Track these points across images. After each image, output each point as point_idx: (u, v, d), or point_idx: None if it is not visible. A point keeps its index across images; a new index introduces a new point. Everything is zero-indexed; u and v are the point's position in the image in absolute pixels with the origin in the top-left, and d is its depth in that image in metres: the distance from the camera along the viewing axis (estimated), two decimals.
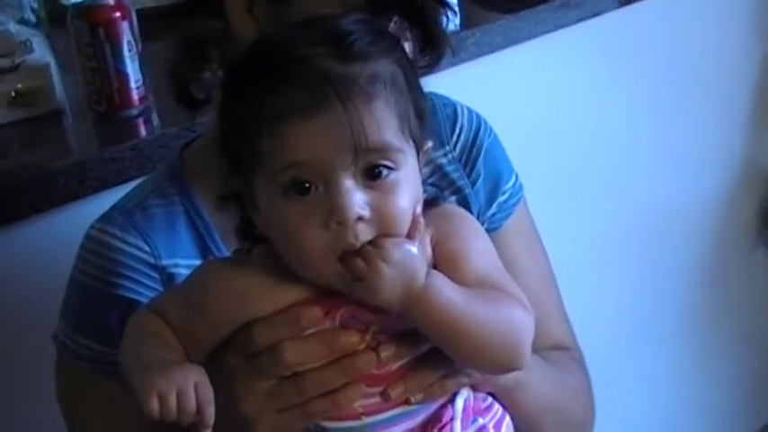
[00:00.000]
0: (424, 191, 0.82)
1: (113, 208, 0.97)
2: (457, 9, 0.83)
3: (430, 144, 0.82)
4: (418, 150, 0.80)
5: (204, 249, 0.96)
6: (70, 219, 1.15)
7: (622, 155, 1.77)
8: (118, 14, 1.22)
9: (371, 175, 0.76)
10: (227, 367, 0.79)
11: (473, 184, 1.06)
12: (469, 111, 1.09)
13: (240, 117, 0.78)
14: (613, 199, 1.78)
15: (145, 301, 0.92)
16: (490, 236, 1.07)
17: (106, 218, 0.96)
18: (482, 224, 1.06)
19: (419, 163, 0.80)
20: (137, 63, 1.25)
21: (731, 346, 2.10)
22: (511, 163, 1.11)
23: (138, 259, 0.94)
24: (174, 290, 0.86)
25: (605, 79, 1.70)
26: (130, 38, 1.24)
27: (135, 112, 1.26)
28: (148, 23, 1.35)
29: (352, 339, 0.78)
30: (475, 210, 1.05)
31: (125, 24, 1.23)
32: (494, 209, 1.07)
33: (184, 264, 0.95)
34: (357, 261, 0.75)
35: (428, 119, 0.82)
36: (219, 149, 0.81)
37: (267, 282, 0.79)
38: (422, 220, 0.78)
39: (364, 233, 0.75)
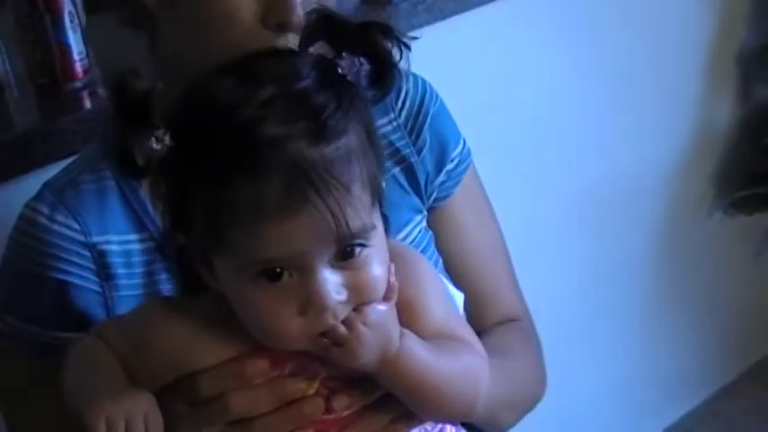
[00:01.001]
0: None
1: (45, 185, 0.96)
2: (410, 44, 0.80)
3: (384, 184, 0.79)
4: (380, 198, 0.78)
5: (139, 224, 0.94)
6: (14, 193, 1.12)
7: (575, 124, 1.77)
8: None
9: (345, 255, 0.74)
10: (172, 413, 0.77)
11: (419, 152, 1.04)
12: (414, 76, 1.07)
13: (202, 200, 0.73)
14: (566, 168, 1.78)
15: (75, 281, 0.92)
16: (440, 205, 1.07)
17: (37, 196, 0.95)
18: (431, 192, 1.06)
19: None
20: (79, 34, 1.23)
21: (688, 312, 2.11)
22: (458, 129, 1.09)
23: (68, 238, 0.92)
24: (121, 320, 0.83)
25: (557, 47, 1.69)
26: (72, 9, 1.21)
27: (79, 84, 1.24)
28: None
29: (300, 386, 0.77)
30: (422, 178, 1.04)
31: None
32: (442, 177, 1.06)
33: (117, 239, 0.94)
34: (339, 327, 0.73)
35: (383, 160, 0.79)
36: (162, 206, 0.77)
37: (215, 331, 0.77)
38: (396, 284, 0.77)
39: (343, 312, 0.74)
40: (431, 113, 1.05)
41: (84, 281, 0.92)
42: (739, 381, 2.23)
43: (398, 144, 1.03)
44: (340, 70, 0.78)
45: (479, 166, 1.11)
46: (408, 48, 0.80)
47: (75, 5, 1.22)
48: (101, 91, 1.25)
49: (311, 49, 0.80)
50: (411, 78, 1.06)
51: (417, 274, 0.81)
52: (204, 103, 0.74)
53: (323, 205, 0.71)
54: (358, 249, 0.74)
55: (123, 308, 0.92)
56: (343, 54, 0.78)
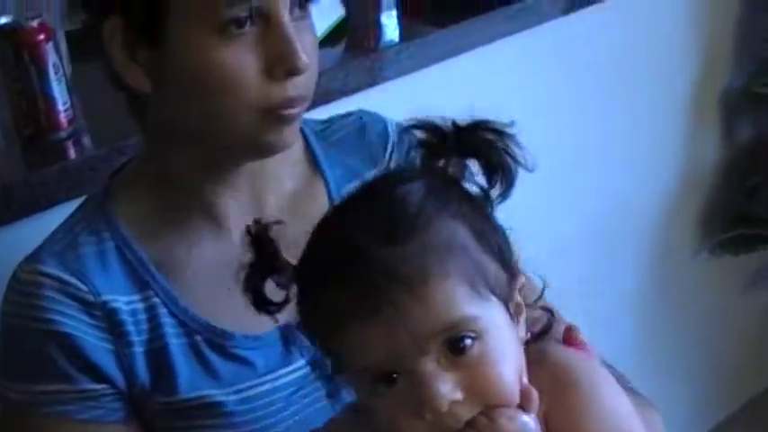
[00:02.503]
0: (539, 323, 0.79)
1: (41, 249, 0.94)
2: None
3: (522, 280, 0.79)
4: (508, 300, 0.76)
5: (140, 282, 0.94)
6: None
7: (566, 162, 1.78)
8: (42, 37, 1.21)
9: (456, 349, 0.72)
10: None
11: None
12: (398, 125, 1.09)
13: (308, 316, 0.77)
14: (556, 205, 1.79)
15: (89, 338, 0.91)
16: None
17: (35, 258, 0.93)
18: None
19: (512, 315, 0.77)
20: (64, 85, 1.24)
21: (675, 353, 2.11)
22: None
23: (76, 297, 0.91)
24: None
25: (540, 90, 1.71)
26: (56, 60, 1.22)
27: (63, 134, 1.25)
28: (78, 45, 1.34)
29: None
30: None
31: (49, 46, 1.21)
32: None
33: (124, 300, 0.93)
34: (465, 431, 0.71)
35: (510, 255, 0.78)
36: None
37: None
38: (534, 392, 0.74)
39: (465, 413, 0.72)
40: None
41: (97, 339, 0.91)
42: (728, 423, 2.22)
43: None
44: (450, 172, 0.79)
45: None
46: (511, 136, 0.80)
47: (60, 57, 1.24)
48: (85, 141, 1.26)
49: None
50: (396, 128, 1.08)
51: (578, 393, 0.76)
52: (315, 230, 0.79)
53: (400, 301, 0.70)
54: (469, 342, 0.72)
55: (137, 364, 0.92)
56: (451, 160, 0.79)
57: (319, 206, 1.02)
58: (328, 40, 1.49)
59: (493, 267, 0.75)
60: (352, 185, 1.02)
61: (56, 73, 1.22)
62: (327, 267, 0.74)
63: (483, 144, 0.79)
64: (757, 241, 2.07)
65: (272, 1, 0.87)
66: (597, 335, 2.04)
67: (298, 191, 1.03)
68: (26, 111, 1.23)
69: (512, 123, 0.81)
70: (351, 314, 0.72)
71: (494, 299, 0.75)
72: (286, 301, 0.78)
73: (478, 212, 0.77)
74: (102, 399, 0.92)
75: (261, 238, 0.79)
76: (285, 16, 0.88)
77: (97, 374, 0.91)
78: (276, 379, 0.96)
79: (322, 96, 1.37)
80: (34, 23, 1.21)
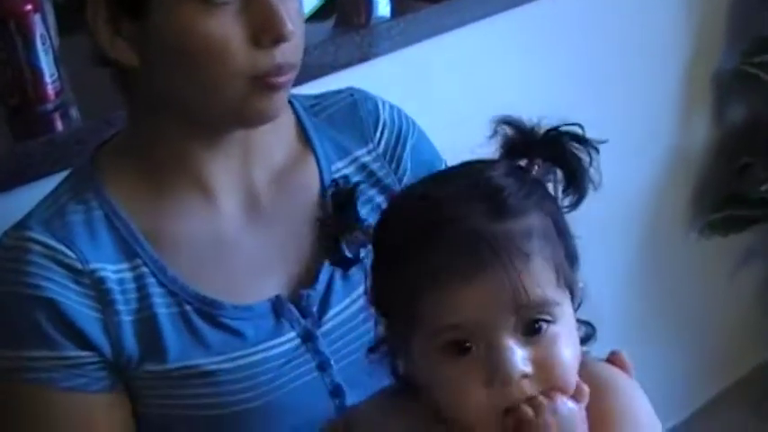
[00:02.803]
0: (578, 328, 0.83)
1: (28, 216, 0.94)
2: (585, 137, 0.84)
3: (581, 285, 0.83)
4: (573, 296, 0.81)
5: (129, 252, 0.94)
6: None
7: None
8: (29, 7, 1.20)
9: (531, 330, 0.76)
10: None
11: (400, 180, 1.06)
12: (391, 107, 1.10)
13: (394, 278, 0.79)
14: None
15: (75, 306, 0.91)
16: None
17: (22, 225, 0.93)
18: None
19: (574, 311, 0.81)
20: (51, 56, 1.23)
21: (664, 332, 2.12)
22: (439, 153, 1.12)
23: (63, 264, 0.91)
24: (348, 418, 0.87)
25: (532, 68, 1.70)
26: (44, 31, 1.22)
27: (50, 106, 1.24)
28: (66, 17, 1.33)
29: None
30: None
31: (37, 17, 1.20)
32: None
33: (112, 268, 0.93)
34: (526, 409, 0.75)
35: (578, 261, 0.83)
36: (373, 302, 0.83)
37: None
38: (585, 386, 0.78)
39: (529, 389, 0.76)
40: (410, 142, 1.08)
41: (84, 307, 0.91)
42: (716, 401, 2.23)
43: (379, 173, 1.06)
44: (533, 174, 0.82)
45: None
46: (597, 151, 0.83)
47: (47, 28, 1.23)
48: (72, 113, 1.26)
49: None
50: (387, 108, 1.09)
51: (618, 402, 0.81)
52: (399, 199, 0.83)
53: (500, 270, 0.75)
54: (544, 326, 0.77)
55: (125, 333, 0.92)
56: (535, 161, 0.82)
57: (309, 180, 1.03)
58: (319, 14, 1.48)
59: (566, 264, 0.80)
60: (343, 162, 1.03)
61: (43, 44, 1.21)
62: (425, 230, 0.77)
63: (571, 155, 0.83)
64: (747, 222, 2.07)
65: None
66: (585, 315, 2.04)
67: (287, 164, 1.03)
68: (12, 81, 1.22)
69: (603, 141, 0.85)
70: (450, 273, 0.75)
71: (567, 292, 0.80)
72: (357, 258, 0.83)
73: (560, 214, 0.82)
74: (86, 367, 0.91)
75: (343, 194, 0.84)
76: None
77: (83, 342, 0.91)
78: (266, 350, 0.96)
79: (313, 71, 1.37)
80: None
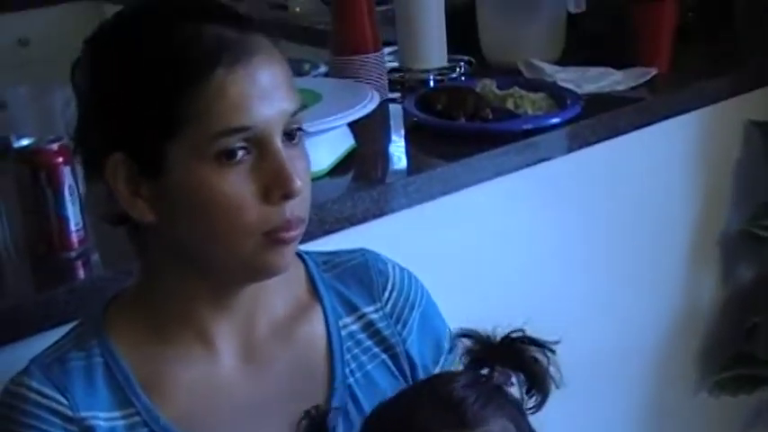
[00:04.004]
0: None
1: (32, 362, 0.98)
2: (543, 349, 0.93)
3: None
4: None
5: (124, 401, 0.96)
6: (2, 363, 1.13)
7: (562, 299, 1.79)
8: (60, 160, 1.24)
9: None
10: None
11: (404, 341, 1.08)
12: (401, 270, 1.12)
13: None
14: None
15: None
16: None
17: (24, 372, 0.97)
18: None
19: None
20: (77, 206, 1.26)
21: None
22: (443, 319, 1.14)
23: (54, 412, 0.93)
24: None
25: (543, 226, 1.73)
26: (72, 182, 1.25)
27: (74, 254, 1.27)
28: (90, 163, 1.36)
29: None
30: (406, 366, 1.08)
31: (67, 169, 1.24)
32: (438, 368, 1.10)
33: (103, 416, 0.95)
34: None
35: None
36: None
37: None
38: None
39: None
40: (418, 310, 1.10)
41: None
42: None
43: (385, 332, 1.08)
44: (494, 381, 0.89)
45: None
46: (553, 352, 0.91)
47: (75, 178, 1.27)
48: (93, 260, 1.28)
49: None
50: (398, 271, 1.11)
51: None
52: (376, 420, 0.93)
53: None
54: None
55: None
56: (495, 369, 0.90)
57: (314, 332, 1.05)
58: (337, 169, 1.53)
59: None
60: (350, 317, 1.05)
61: (71, 194, 1.25)
62: None
63: (529, 359, 0.90)
64: (756, 382, 2.06)
65: (266, 131, 0.92)
66: None
67: (293, 316, 1.05)
68: (39, 230, 1.26)
69: (556, 342, 0.92)
70: None
71: None
72: None
73: (523, 417, 0.89)
74: None
75: (318, 426, 0.92)
76: (278, 143, 0.93)
77: None
78: None
79: (330, 225, 1.41)
80: (54, 146, 1.24)
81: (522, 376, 0.90)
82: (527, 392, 0.90)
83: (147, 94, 0.91)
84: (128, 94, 0.92)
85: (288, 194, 0.92)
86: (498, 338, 0.91)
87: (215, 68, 0.90)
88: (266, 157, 0.92)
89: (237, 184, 0.91)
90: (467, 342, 0.92)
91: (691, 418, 2.10)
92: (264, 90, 0.92)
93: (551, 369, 0.90)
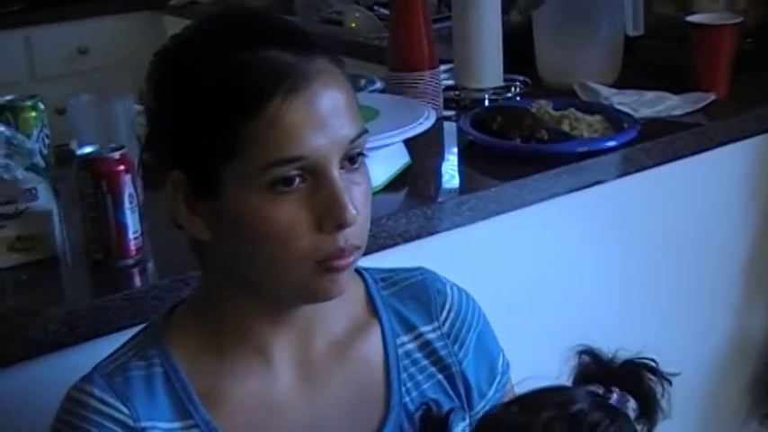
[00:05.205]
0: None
1: (95, 369, 0.98)
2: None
3: None
4: None
5: (183, 411, 0.97)
6: (59, 367, 1.15)
7: (613, 324, 1.78)
8: (121, 168, 1.26)
9: None
10: None
11: (460, 362, 1.08)
12: (459, 290, 1.12)
13: None
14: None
15: None
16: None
17: (87, 378, 0.97)
18: (483, 406, 1.09)
19: None
20: (137, 215, 1.28)
21: None
22: (498, 343, 1.14)
23: (116, 420, 0.94)
24: None
25: (594, 250, 1.72)
26: (132, 190, 1.27)
27: (131, 261, 1.28)
28: (152, 173, 1.39)
29: None
30: (461, 386, 1.07)
31: (127, 177, 1.26)
32: (493, 390, 1.10)
33: (163, 427, 0.96)
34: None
35: None
36: None
37: None
38: None
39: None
40: (475, 331, 1.10)
41: None
42: None
43: (442, 352, 1.07)
44: (611, 401, 0.89)
45: (518, 366, 1.13)
46: (670, 383, 0.92)
47: (135, 187, 1.28)
48: (150, 268, 1.30)
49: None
50: (456, 292, 1.11)
51: None
52: (494, 426, 0.91)
53: None
54: None
55: None
56: (612, 389, 0.90)
57: (372, 350, 1.05)
58: (392, 185, 1.53)
59: None
60: (407, 336, 1.06)
61: (130, 203, 1.27)
62: None
63: (646, 387, 0.91)
64: None
65: (322, 160, 0.91)
66: None
67: (350, 334, 1.05)
68: (98, 237, 1.27)
69: (676, 374, 0.94)
70: None
71: None
72: None
73: None
74: None
75: (436, 420, 0.95)
76: (334, 172, 0.92)
77: None
78: None
79: (383, 241, 1.41)
80: (116, 155, 1.26)
81: (635, 402, 0.90)
82: (635, 419, 0.91)
83: (204, 120, 0.91)
84: (185, 118, 0.93)
85: (341, 225, 0.91)
86: (620, 361, 0.92)
87: (272, 97, 0.89)
88: (321, 186, 0.91)
89: (291, 212, 0.91)
90: (585, 359, 0.92)
91: None
92: (322, 118, 0.91)
93: (663, 400, 0.91)
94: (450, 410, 0.90)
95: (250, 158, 0.90)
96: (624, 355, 0.92)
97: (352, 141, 0.93)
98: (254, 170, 0.90)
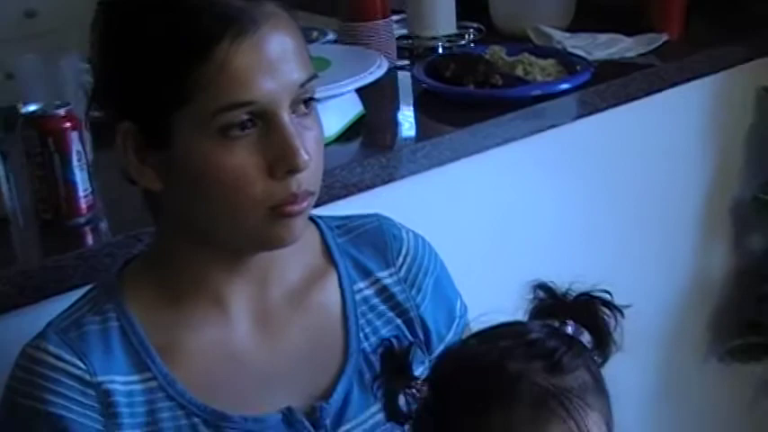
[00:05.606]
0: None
1: (48, 326, 0.98)
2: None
3: None
4: None
5: (140, 365, 0.96)
6: (11, 327, 1.14)
7: (574, 268, 1.78)
8: (68, 125, 1.24)
9: None
10: None
11: (418, 307, 1.08)
12: (415, 236, 1.12)
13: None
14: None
15: (77, 418, 0.93)
16: None
17: (41, 335, 0.97)
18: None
19: None
20: (86, 173, 1.26)
21: None
22: (455, 286, 1.14)
23: (72, 376, 0.94)
24: None
25: (551, 193, 1.72)
26: (80, 148, 1.25)
27: (82, 220, 1.27)
28: (102, 131, 1.37)
29: None
30: (420, 331, 1.08)
31: (75, 135, 1.24)
32: (451, 334, 1.11)
33: (121, 380, 0.95)
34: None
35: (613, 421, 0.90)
36: None
37: None
38: None
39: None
40: (432, 276, 1.10)
41: (86, 419, 0.94)
42: None
43: (399, 297, 1.08)
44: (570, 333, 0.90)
45: (476, 310, 1.13)
46: (623, 315, 0.93)
47: (83, 144, 1.26)
48: (102, 227, 1.28)
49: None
50: (412, 237, 1.11)
51: None
52: (454, 360, 0.91)
53: (570, 419, 0.82)
54: None
55: None
56: (567, 322, 0.90)
57: (329, 297, 1.05)
58: (346, 135, 1.52)
59: (609, 414, 0.88)
60: (364, 282, 1.05)
61: (79, 160, 1.25)
62: (489, 391, 0.85)
63: (600, 320, 0.92)
64: (766, 350, 2.06)
65: (272, 103, 0.90)
66: None
67: (307, 281, 1.05)
68: (47, 196, 1.25)
69: (627, 306, 0.94)
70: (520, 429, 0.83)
71: None
72: (411, 413, 0.89)
73: (600, 372, 0.90)
74: None
75: (398, 356, 0.91)
76: (284, 116, 0.91)
77: None
78: None
79: (339, 191, 1.40)
80: (61, 112, 1.24)
81: (589, 335, 0.91)
82: (590, 352, 0.91)
83: (152, 67, 0.90)
84: (133, 65, 0.91)
85: (293, 169, 0.91)
86: (574, 295, 0.93)
87: (220, 41, 0.88)
88: (272, 131, 0.91)
89: (242, 158, 0.90)
90: (540, 294, 0.93)
91: (701, 385, 2.10)
92: (271, 62, 0.90)
93: (616, 333, 0.92)
94: (411, 344, 0.91)
95: (200, 104, 0.89)
96: (579, 288, 0.93)
97: (302, 85, 0.92)
98: (204, 116, 0.89)
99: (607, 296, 0.92)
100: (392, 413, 0.89)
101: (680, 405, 2.07)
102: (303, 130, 0.93)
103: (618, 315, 0.92)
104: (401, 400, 0.88)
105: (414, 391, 0.88)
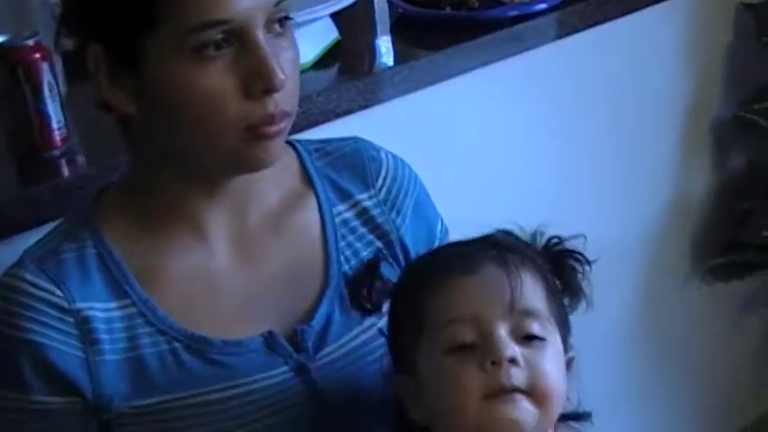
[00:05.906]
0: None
1: (25, 254, 0.97)
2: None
3: (572, 356, 0.96)
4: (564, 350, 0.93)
5: (119, 291, 0.96)
6: None
7: (554, 190, 1.79)
8: (37, 55, 1.22)
9: (525, 336, 0.89)
10: None
11: (398, 228, 1.08)
12: (394, 157, 1.12)
13: (406, 297, 0.95)
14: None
15: (57, 345, 0.93)
16: None
17: (17, 264, 0.96)
18: None
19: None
20: (58, 104, 1.24)
21: (665, 379, 2.11)
22: (436, 208, 1.14)
23: (50, 303, 0.93)
24: None
25: (531, 116, 1.72)
26: (51, 79, 1.23)
27: (57, 153, 1.25)
28: (74, 64, 1.35)
29: None
30: (400, 253, 1.08)
31: (45, 65, 1.22)
32: None
33: (100, 307, 0.95)
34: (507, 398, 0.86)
35: (570, 329, 0.97)
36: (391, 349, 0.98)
37: None
38: None
39: (518, 379, 0.86)
40: (412, 197, 1.10)
41: (66, 346, 0.94)
42: None
43: (379, 219, 1.07)
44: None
45: (457, 237, 1.14)
46: (590, 267, 0.96)
47: (54, 76, 1.24)
48: (78, 159, 1.27)
49: None
50: (391, 158, 1.11)
51: None
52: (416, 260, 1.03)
53: (502, 267, 0.90)
54: (536, 330, 0.89)
55: (106, 372, 0.94)
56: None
57: (308, 221, 1.05)
58: (323, 61, 1.50)
59: (559, 319, 0.92)
60: (344, 205, 1.05)
61: (50, 91, 1.23)
62: (441, 268, 0.93)
63: (568, 269, 0.95)
64: (748, 268, 2.07)
65: (247, 22, 0.89)
66: (584, 361, 2.03)
67: (286, 205, 1.05)
68: (20, 128, 1.24)
69: (596, 259, 0.98)
70: (453, 268, 0.90)
71: (557, 334, 0.91)
72: (376, 307, 1.00)
73: (553, 281, 0.94)
74: (53, 414, 0.94)
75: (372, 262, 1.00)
76: (259, 35, 0.90)
77: (60, 385, 0.94)
78: (255, 382, 0.98)
79: (316, 117, 1.39)
80: (30, 42, 1.22)
81: (558, 283, 0.94)
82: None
83: None
84: None
85: (269, 89, 0.90)
86: (541, 243, 0.96)
87: None
88: (247, 51, 0.90)
89: (216, 79, 0.89)
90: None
91: (684, 305, 2.11)
92: None
93: (584, 282, 0.95)
94: (379, 252, 0.97)
95: (172, 24, 0.88)
96: (545, 232, 0.97)
97: (277, 4, 0.91)
98: (177, 36, 0.88)
99: (573, 247, 0.96)
100: (356, 302, 0.98)
101: (663, 326, 2.09)
102: (279, 50, 0.92)
103: (586, 266, 0.95)
104: (372, 293, 0.98)
105: (384, 286, 0.93)
